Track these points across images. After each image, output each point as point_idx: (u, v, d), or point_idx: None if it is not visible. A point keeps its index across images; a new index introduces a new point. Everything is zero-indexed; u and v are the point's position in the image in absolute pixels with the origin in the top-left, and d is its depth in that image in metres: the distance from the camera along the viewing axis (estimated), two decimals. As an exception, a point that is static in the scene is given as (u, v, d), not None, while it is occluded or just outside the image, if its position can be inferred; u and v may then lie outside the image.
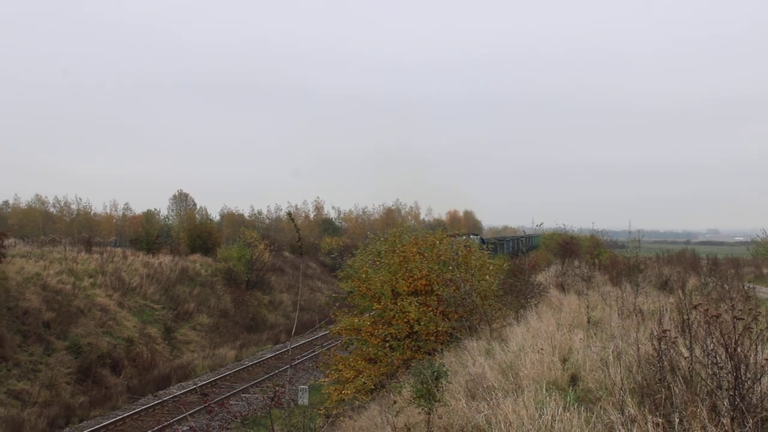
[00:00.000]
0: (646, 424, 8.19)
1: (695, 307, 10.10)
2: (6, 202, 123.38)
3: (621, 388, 9.79)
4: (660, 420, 8.23)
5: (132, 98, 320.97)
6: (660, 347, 9.35)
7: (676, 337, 9.81)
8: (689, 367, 9.13)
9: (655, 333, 9.78)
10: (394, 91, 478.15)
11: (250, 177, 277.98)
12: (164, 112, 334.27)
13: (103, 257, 54.98)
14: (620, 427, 8.42)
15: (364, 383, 21.38)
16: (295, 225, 12.57)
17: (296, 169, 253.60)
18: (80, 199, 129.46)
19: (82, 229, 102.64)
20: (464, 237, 41.61)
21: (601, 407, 9.70)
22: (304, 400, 30.49)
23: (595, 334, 15.40)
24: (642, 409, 9.00)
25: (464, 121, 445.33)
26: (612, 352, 12.27)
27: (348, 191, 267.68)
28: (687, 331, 9.87)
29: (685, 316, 11.28)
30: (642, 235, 43.10)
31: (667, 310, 17.03)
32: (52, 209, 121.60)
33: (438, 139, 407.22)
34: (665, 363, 9.23)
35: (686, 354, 9.44)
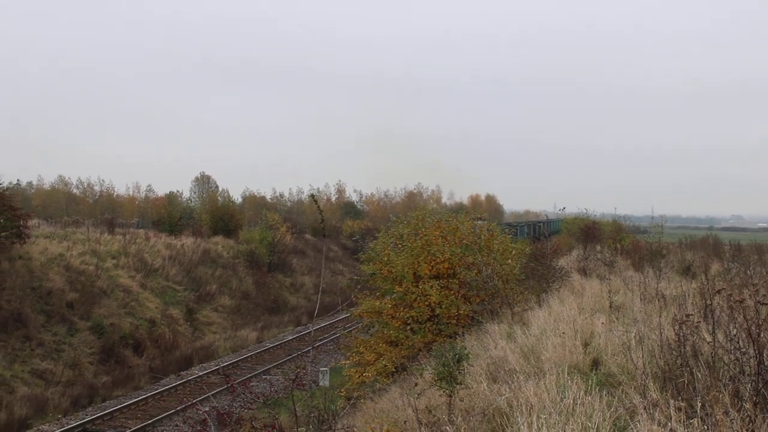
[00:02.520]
0: (668, 408, 8.17)
1: (718, 292, 10.07)
2: (30, 183, 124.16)
3: (643, 373, 9.78)
4: (682, 404, 8.22)
5: (155, 83, 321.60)
6: (683, 332, 9.33)
7: (699, 322, 9.78)
8: (712, 352, 9.11)
9: (678, 318, 9.76)
10: (413, 72, 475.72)
11: (272, 160, 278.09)
12: (188, 96, 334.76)
13: (125, 238, 55.25)
14: (642, 411, 8.41)
15: (385, 366, 21.42)
16: (318, 207, 12.58)
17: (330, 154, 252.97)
18: (103, 180, 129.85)
19: (105, 211, 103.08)
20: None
21: (623, 391, 9.69)
22: (325, 382, 30.60)
23: (617, 319, 15.37)
24: (664, 393, 8.99)
25: (488, 104, 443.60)
26: (634, 336, 12.25)
27: (366, 175, 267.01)
28: (710, 316, 9.84)
29: (708, 302, 11.25)
30: (665, 221, 42.86)
31: (689, 295, 16.98)
32: (75, 190, 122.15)
33: (460, 122, 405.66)
34: (688, 348, 9.21)
35: (709, 339, 9.42)
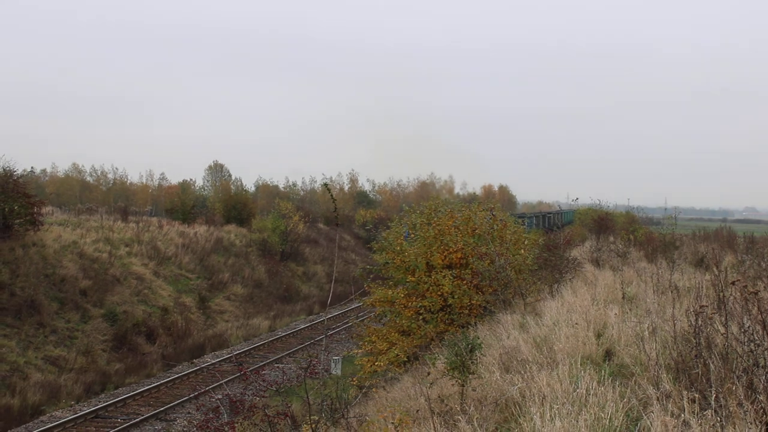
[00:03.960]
0: (681, 399, 8.17)
1: (733, 284, 10.04)
2: (44, 171, 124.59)
3: (656, 364, 9.77)
4: (696, 396, 8.21)
5: (170, 71, 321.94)
6: (696, 323, 9.31)
7: (713, 314, 9.76)
8: (725, 344, 9.09)
9: (692, 309, 9.74)
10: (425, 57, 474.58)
11: (285, 148, 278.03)
12: (202, 85, 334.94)
13: (139, 226, 55.40)
14: (655, 402, 8.41)
15: (397, 355, 21.45)
16: (332, 195, 12.59)
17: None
18: (116, 168, 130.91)
19: (119, 199, 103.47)
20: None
21: (635, 382, 9.69)
22: (336, 370, 30.67)
23: (630, 310, 15.36)
24: (677, 385, 8.98)
25: (504, 91, 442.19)
26: (647, 327, 12.24)
27: (383, 164, 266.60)
28: (723, 307, 9.82)
29: (722, 293, 11.22)
30: (678, 212, 42.90)
31: (703, 287, 16.96)
32: (88, 178, 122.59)
33: (474, 108, 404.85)
34: (701, 339, 9.19)
35: (723, 331, 9.40)
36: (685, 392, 8.33)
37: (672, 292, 17.45)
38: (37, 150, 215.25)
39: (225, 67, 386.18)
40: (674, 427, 7.54)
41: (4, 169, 42.71)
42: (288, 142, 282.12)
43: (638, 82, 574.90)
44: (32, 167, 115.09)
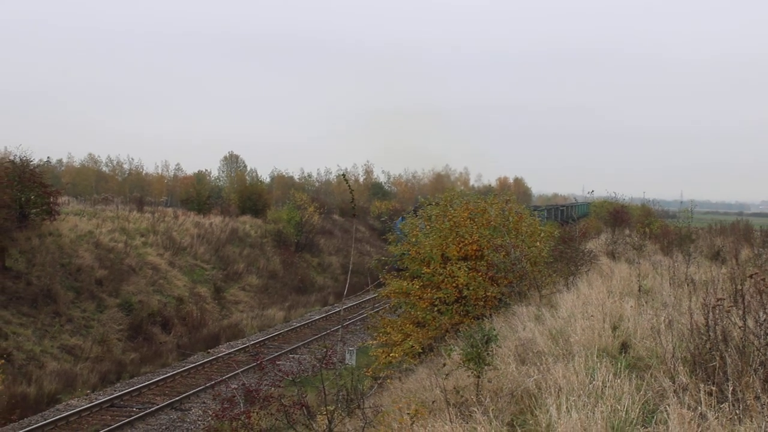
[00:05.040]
0: (698, 392, 8.16)
1: (750, 277, 10.02)
2: (60, 161, 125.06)
3: (673, 357, 9.76)
4: (712, 389, 8.20)
5: (185, 60, 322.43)
6: (713, 316, 9.29)
7: (730, 307, 9.73)
8: (742, 337, 9.06)
9: (708, 302, 9.72)
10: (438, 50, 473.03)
11: (299, 140, 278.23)
12: (221, 74, 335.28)
13: (154, 216, 55.57)
14: (672, 394, 8.40)
15: (412, 346, 21.45)
16: (349, 185, 12.63)
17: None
18: (132, 158, 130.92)
19: (134, 189, 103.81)
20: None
21: (651, 375, 9.67)
22: (351, 361, 30.70)
23: (646, 303, 15.32)
24: (694, 377, 8.97)
25: (516, 83, 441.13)
26: (663, 320, 12.22)
27: (392, 153, 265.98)
28: (740, 301, 9.79)
29: (739, 286, 11.18)
30: (694, 206, 42.70)
31: (719, 280, 16.90)
32: (104, 168, 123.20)
33: (490, 100, 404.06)
34: (718, 332, 9.17)
35: (740, 324, 9.38)
36: (701, 385, 8.32)
37: (688, 285, 17.41)
38: (53, 140, 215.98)
39: (239, 58, 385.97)
40: (691, 419, 7.53)
41: (21, 159, 42.91)
42: (302, 136, 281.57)
43: (653, 75, 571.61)
44: (48, 157, 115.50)
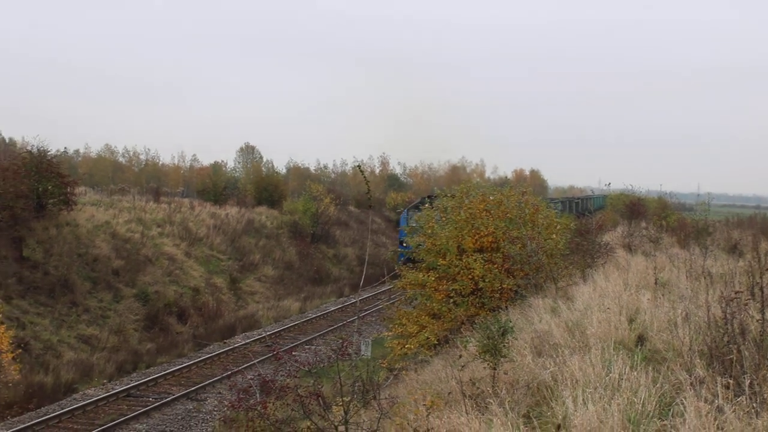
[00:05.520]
0: (715, 385, 8.14)
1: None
2: (77, 151, 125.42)
3: (689, 350, 9.74)
4: (730, 382, 8.18)
5: (202, 53, 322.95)
6: (731, 309, 9.27)
7: (748, 300, 9.71)
8: (760, 331, 9.05)
9: (726, 295, 9.69)
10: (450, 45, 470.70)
11: (315, 131, 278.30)
12: (235, 66, 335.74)
13: (170, 207, 55.73)
14: (688, 387, 8.39)
15: (428, 338, 21.45)
16: (365, 177, 12.61)
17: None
18: (149, 149, 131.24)
19: (151, 179, 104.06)
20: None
21: (668, 368, 9.66)
22: (367, 353, 30.71)
23: (662, 296, 15.29)
24: (710, 370, 8.95)
25: (534, 77, 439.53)
26: (680, 313, 12.19)
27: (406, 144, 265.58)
28: (758, 294, 9.76)
29: (756, 280, 11.15)
30: (711, 199, 42.48)
31: (736, 273, 16.85)
32: (121, 159, 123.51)
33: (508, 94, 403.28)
34: (735, 326, 9.15)
35: (757, 317, 9.35)
36: (718, 378, 8.30)
37: (705, 278, 17.36)
38: (70, 130, 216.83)
39: (256, 48, 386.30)
40: (708, 412, 7.52)
41: (38, 150, 43.10)
42: (316, 123, 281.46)
43: (669, 65, 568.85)
44: (65, 148, 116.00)
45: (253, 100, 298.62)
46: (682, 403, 7.93)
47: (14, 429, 23.40)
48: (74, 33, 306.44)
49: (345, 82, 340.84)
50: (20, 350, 28.35)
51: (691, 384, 8.48)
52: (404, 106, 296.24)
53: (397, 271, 24.38)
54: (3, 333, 26.22)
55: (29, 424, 23.92)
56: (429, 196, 59.92)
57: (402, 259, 51.39)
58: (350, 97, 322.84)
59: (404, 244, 52.09)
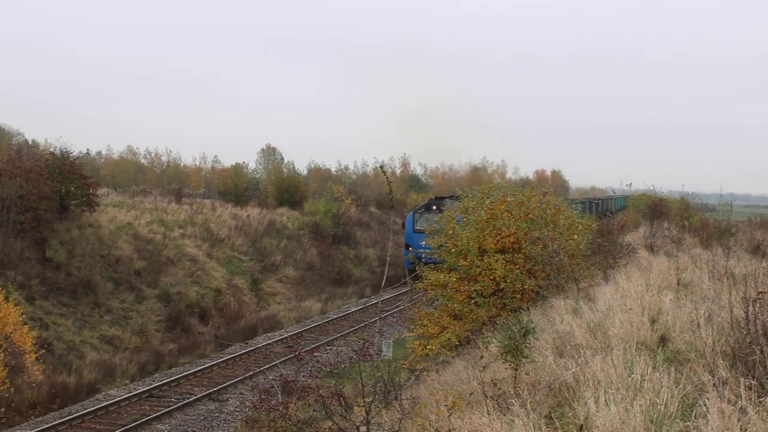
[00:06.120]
0: (738, 386, 8.11)
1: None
2: (99, 153, 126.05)
3: (712, 350, 9.70)
4: (753, 383, 8.15)
5: (221, 55, 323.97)
6: (754, 310, 9.23)
7: (773, 300, 9.66)
8: (783, 331, 9.01)
9: (748, 296, 9.65)
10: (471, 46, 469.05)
11: (337, 133, 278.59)
12: (256, 68, 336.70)
13: (192, 208, 55.96)
14: (711, 388, 8.36)
15: (449, 339, 21.44)
16: (386, 177, 12.69)
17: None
18: (170, 151, 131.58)
19: (172, 181, 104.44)
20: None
21: (690, 368, 9.64)
22: (388, 353, 30.73)
23: (685, 296, 15.24)
24: (734, 371, 8.92)
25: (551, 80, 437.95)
26: (703, 314, 12.14)
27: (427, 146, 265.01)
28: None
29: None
30: (733, 199, 42.31)
31: (759, 273, 16.77)
32: (143, 160, 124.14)
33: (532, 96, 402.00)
34: (758, 326, 9.11)
35: (781, 318, 9.32)
36: (741, 379, 8.27)
37: (728, 278, 17.28)
38: (92, 132, 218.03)
39: (277, 48, 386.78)
40: (731, 414, 7.50)
41: (61, 151, 43.38)
42: (338, 130, 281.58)
43: (696, 71, 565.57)
44: (88, 149, 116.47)
45: (274, 100, 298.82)
46: (705, 405, 7.90)
47: (38, 429, 23.56)
48: (95, 34, 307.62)
49: (363, 81, 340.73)
50: (43, 351, 28.52)
51: (714, 385, 8.46)
52: (424, 104, 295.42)
53: (418, 272, 24.39)
54: (26, 333, 26.38)
55: (53, 424, 24.06)
56: (437, 198, 59.81)
57: (409, 266, 51.22)
58: (369, 96, 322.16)
59: (410, 249, 51.88)
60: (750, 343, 9.00)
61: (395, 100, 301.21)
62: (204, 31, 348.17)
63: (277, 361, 28.06)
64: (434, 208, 52.11)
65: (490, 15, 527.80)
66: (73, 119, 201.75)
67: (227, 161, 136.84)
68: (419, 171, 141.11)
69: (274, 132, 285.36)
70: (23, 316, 27.25)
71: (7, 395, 24.63)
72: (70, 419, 24.53)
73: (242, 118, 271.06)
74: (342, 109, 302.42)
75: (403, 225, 56.21)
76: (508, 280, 21.51)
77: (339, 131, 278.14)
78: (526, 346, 11.10)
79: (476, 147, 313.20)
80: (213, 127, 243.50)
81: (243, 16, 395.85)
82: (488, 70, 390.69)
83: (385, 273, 14.42)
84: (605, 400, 8.45)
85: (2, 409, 24.41)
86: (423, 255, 46.10)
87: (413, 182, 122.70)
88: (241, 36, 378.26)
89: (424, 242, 48.75)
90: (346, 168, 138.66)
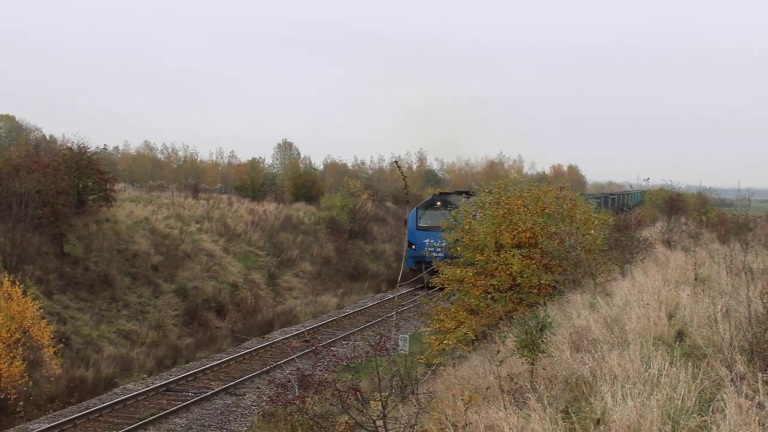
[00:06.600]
0: (756, 381, 8.10)
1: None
2: (116, 148, 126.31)
3: (730, 346, 9.68)
4: (771, 378, 8.13)
5: (239, 51, 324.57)
6: (772, 305, 9.21)
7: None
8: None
9: (766, 291, 9.63)
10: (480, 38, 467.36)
11: (353, 128, 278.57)
12: (270, 65, 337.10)
13: (209, 203, 56.02)
14: (729, 383, 8.34)
15: (465, 334, 21.42)
16: (402, 172, 12.59)
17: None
18: (187, 146, 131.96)
19: (189, 176, 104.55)
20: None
21: (708, 364, 9.61)
22: (404, 348, 30.72)
23: (702, 291, 15.19)
24: (752, 367, 8.90)
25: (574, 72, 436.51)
26: (720, 309, 12.11)
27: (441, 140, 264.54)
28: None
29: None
30: (751, 194, 42.15)
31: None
32: (159, 156, 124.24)
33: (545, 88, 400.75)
34: (776, 321, 9.10)
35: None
36: (759, 374, 8.26)
37: (746, 273, 17.22)
38: (110, 127, 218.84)
39: (291, 45, 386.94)
40: (748, 409, 7.48)
41: (78, 146, 43.52)
42: (354, 125, 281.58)
43: (715, 66, 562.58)
44: (105, 144, 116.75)
45: (290, 96, 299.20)
46: (723, 400, 7.90)
47: (56, 422, 23.69)
48: (109, 31, 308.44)
49: (379, 77, 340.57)
50: (61, 345, 28.67)
51: (732, 380, 8.44)
52: (439, 103, 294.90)
53: (434, 266, 24.35)
54: (44, 328, 26.49)
55: (71, 417, 24.18)
56: (441, 193, 59.25)
57: (412, 265, 50.69)
58: (385, 90, 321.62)
59: (413, 247, 51.27)
60: (768, 338, 8.98)
61: (412, 95, 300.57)
62: (215, 31, 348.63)
63: (294, 356, 28.11)
64: (438, 204, 51.71)
65: (511, 7, 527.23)
66: (91, 116, 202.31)
67: (244, 156, 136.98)
68: (436, 166, 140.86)
69: (289, 128, 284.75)
70: (41, 310, 27.35)
71: (25, 389, 24.79)
72: (87, 413, 24.64)
73: (258, 115, 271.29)
74: (358, 105, 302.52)
75: (406, 222, 54.89)
76: (524, 275, 21.48)
77: (355, 127, 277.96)
78: (542, 341, 11.09)
79: (491, 143, 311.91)
80: (228, 126, 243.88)
81: (258, 15, 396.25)
82: (506, 65, 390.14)
83: (402, 268, 14.36)
84: (622, 395, 8.45)
85: (21, 403, 24.57)
86: (427, 253, 45.80)
87: (430, 177, 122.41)
88: (257, 34, 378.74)
89: (428, 240, 48.38)
90: (363, 163, 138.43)
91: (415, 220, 52.63)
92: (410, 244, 51.69)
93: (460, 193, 56.49)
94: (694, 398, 8.35)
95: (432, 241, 46.74)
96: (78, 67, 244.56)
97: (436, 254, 42.98)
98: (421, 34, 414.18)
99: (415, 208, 54.95)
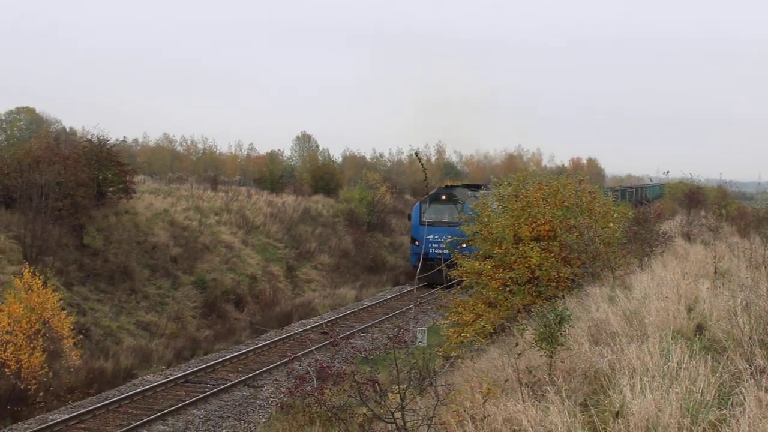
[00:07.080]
0: (776, 375, 8.07)
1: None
2: (135, 141, 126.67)
3: (750, 339, 9.65)
4: (791, 372, 8.10)
5: (259, 45, 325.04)
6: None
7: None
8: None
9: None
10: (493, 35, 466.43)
11: (372, 120, 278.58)
12: (290, 59, 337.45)
13: (228, 195, 56.16)
14: (749, 377, 8.31)
15: (484, 326, 21.40)
16: (422, 164, 12.60)
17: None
18: (206, 138, 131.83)
19: (208, 168, 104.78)
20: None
21: (727, 357, 9.58)
22: (422, 341, 30.73)
23: (722, 285, 15.14)
24: (772, 360, 8.87)
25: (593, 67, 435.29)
26: (740, 302, 12.06)
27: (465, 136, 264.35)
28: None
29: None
30: (772, 187, 41.91)
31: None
32: (179, 148, 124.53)
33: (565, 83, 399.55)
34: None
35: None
36: (779, 368, 8.23)
37: (766, 267, 17.15)
38: (129, 120, 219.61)
39: (306, 38, 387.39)
40: (768, 402, 7.46)
41: (98, 139, 43.67)
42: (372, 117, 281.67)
43: (736, 59, 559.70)
44: (125, 137, 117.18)
45: (308, 88, 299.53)
46: (742, 393, 7.87)
47: (76, 413, 23.82)
48: (128, 23, 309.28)
49: (398, 70, 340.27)
50: (81, 336, 28.80)
51: (751, 374, 8.42)
52: (455, 97, 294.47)
53: (453, 260, 24.34)
54: (64, 319, 26.63)
55: (90, 408, 24.31)
56: (447, 186, 58.46)
57: (415, 261, 49.76)
58: (404, 83, 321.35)
59: (416, 243, 50.43)
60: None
61: (430, 87, 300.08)
62: (240, 18, 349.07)
63: (312, 348, 28.18)
64: (443, 197, 50.61)
65: (531, 4, 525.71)
66: (112, 108, 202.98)
67: (262, 149, 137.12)
68: (454, 158, 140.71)
69: (309, 120, 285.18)
70: (61, 301, 27.48)
71: (45, 380, 24.93)
72: (107, 404, 24.76)
73: (279, 107, 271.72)
74: (377, 99, 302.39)
75: (410, 217, 53.70)
76: (543, 268, 21.45)
77: (374, 118, 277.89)
78: (561, 334, 11.07)
79: (510, 136, 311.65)
80: (249, 115, 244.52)
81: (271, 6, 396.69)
82: (527, 60, 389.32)
83: (420, 260, 14.36)
84: (641, 388, 8.43)
85: (41, 394, 24.70)
86: (431, 249, 45.43)
87: (448, 169, 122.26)
88: (287, 28, 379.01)
89: (431, 236, 47.43)
90: (381, 155, 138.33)
91: (419, 215, 50.95)
92: (413, 240, 50.93)
93: (466, 186, 56.01)
94: (713, 392, 8.33)
95: (436, 236, 46.06)
96: (99, 65, 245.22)
97: (440, 251, 42.60)
98: (437, 29, 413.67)
99: (418, 202, 53.81)
